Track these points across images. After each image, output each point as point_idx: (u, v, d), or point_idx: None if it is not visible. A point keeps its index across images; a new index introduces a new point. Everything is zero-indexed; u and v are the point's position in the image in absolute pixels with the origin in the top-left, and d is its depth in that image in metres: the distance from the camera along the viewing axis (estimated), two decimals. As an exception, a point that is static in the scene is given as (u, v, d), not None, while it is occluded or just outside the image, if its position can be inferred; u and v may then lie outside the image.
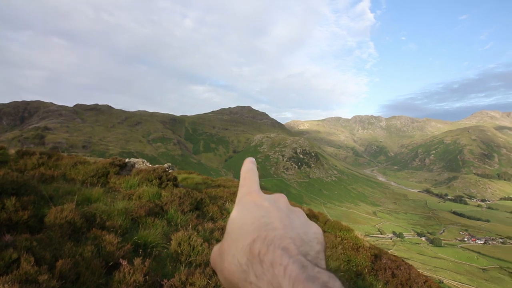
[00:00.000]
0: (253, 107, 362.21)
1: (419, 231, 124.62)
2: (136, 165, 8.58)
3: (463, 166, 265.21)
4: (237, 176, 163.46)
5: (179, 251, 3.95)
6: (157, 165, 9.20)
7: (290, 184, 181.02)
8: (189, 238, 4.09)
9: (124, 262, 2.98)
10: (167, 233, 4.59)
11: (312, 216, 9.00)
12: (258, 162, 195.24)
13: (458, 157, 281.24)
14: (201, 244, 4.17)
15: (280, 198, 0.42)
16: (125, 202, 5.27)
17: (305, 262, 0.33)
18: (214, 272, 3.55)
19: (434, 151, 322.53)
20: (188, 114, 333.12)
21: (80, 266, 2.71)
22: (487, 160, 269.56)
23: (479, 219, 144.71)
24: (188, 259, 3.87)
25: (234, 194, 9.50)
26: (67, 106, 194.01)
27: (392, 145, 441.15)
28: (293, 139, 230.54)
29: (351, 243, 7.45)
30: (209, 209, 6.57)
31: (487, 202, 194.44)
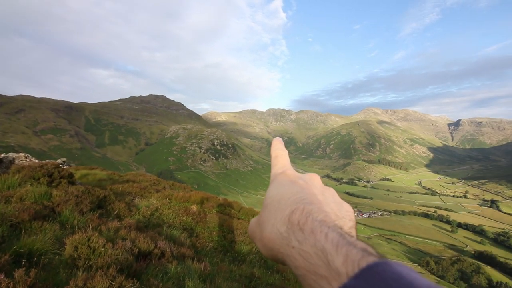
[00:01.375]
0: (167, 97, 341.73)
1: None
2: (17, 161, 7.08)
3: (354, 154, 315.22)
4: (149, 170, 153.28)
5: (75, 256, 3.51)
6: (46, 161, 7.80)
7: (207, 175, 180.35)
8: (89, 240, 3.67)
9: (1, 276, 2.54)
10: (60, 238, 4.00)
11: (226, 205, 9.25)
12: (173, 155, 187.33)
13: (351, 146, 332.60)
14: (104, 245, 3.80)
15: (314, 177, 0.45)
16: (0, 206, 4.33)
17: (342, 232, 0.36)
18: (118, 273, 3.31)
19: (333, 142, 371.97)
20: (89, 102, 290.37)
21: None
22: (371, 148, 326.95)
23: (365, 197, 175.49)
24: (88, 262, 3.49)
25: (145, 189, 8.90)
26: None
27: (300, 136, 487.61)
28: (211, 131, 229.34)
29: (262, 227, 8.01)
30: (114, 207, 6.01)
31: (371, 182, 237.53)
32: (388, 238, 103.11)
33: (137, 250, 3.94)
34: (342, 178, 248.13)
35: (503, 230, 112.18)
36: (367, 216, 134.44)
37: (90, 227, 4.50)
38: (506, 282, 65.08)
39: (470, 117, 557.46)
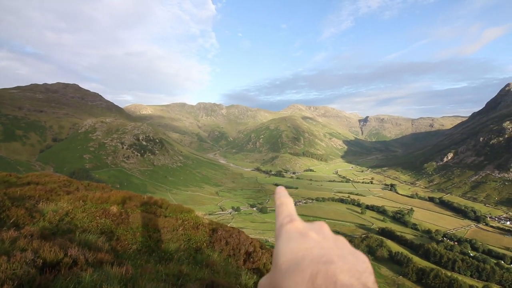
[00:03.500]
0: (81, 86, 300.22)
1: (251, 203, 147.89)
2: None
3: (282, 147, 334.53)
4: (59, 170, 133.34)
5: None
6: None
7: (132, 173, 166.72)
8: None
9: None
10: None
11: (152, 203, 8.77)
12: (90, 152, 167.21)
13: (279, 140, 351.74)
14: (-5, 259, 3.21)
15: (324, 227, 0.44)
16: None
17: None
18: (22, 286, 2.83)
19: (262, 136, 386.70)
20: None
21: None
22: (296, 142, 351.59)
23: (291, 187, 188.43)
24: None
25: (52, 191, 7.74)
26: None
27: (231, 130, 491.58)
28: (135, 125, 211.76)
29: (192, 223, 7.88)
30: (10, 214, 5.08)
31: (296, 173, 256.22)
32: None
33: (41, 261, 3.43)
34: (271, 171, 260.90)
35: (399, 209, 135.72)
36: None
37: (-25, 241, 3.74)
38: (402, 252, 79.07)
39: (375, 114, 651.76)
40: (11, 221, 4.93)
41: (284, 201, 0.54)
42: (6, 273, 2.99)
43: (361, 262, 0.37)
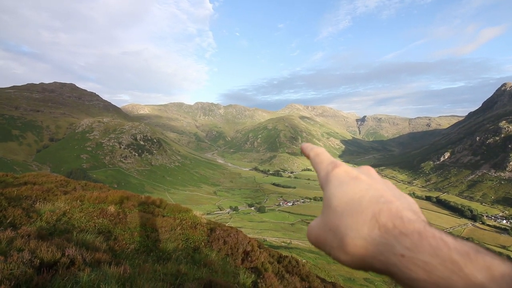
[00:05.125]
0: (78, 85, 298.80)
1: (249, 203, 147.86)
2: None
3: (279, 147, 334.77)
4: (56, 170, 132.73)
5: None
6: None
7: (129, 173, 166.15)
8: (-32, 256, 3.04)
9: None
10: None
11: (150, 203, 8.76)
12: (87, 152, 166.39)
13: (277, 140, 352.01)
14: (-9, 259, 3.20)
15: (371, 170, 0.44)
16: None
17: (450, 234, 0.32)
18: (19, 286, 2.82)
19: (260, 135, 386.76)
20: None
21: None
22: (294, 141, 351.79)
23: (289, 187, 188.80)
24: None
25: (49, 191, 7.70)
26: None
27: (229, 130, 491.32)
28: (132, 125, 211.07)
29: (190, 222, 7.88)
30: (7, 214, 5.05)
31: (294, 173, 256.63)
32: (309, 223, 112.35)
33: (38, 261, 3.42)
34: (269, 170, 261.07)
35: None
36: (291, 204, 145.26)
37: (-29, 241, 3.73)
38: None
39: (373, 114, 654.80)
40: (8, 221, 4.91)
41: (318, 150, 0.54)
42: (3, 273, 2.98)
43: (413, 203, 0.38)
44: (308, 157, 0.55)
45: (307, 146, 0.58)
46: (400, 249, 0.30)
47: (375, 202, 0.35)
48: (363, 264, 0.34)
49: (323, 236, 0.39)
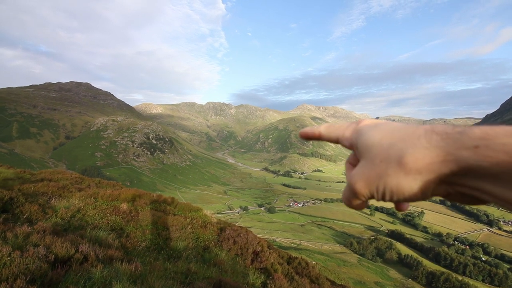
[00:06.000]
0: (93, 85, 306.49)
1: (259, 203, 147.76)
2: None
3: (290, 147, 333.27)
4: (71, 167, 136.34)
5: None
6: None
7: (142, 171, 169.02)
8: (-14, 250, 3.13)
9: None
10: None
11: (161, 201, 8.85)
12: (101, 150, 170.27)
13: (287, 140, 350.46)
14: (9, 253, 3.29)
15: (390, 121, 0.44)
16: None
17: None
18: (29, 284, 2.89)
19: (271, 136, 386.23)
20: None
21: None
22: (305, 142, 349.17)
23: (299, 188, 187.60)
24: (-14, 277, 2.97)
25: (63, 188, 7.90)
26: None
27: (240, 130, 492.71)
28: (145, 124, 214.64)
29: (200, 222, 7.92)
30: (24, 210, 5.20)
31: (305, 174, 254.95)
32: (319, 224, 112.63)
33: (53, 256, 3.50)
34: (279, 171, 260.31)
35: (409, 211, 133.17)
36: (301, 205, 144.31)
37: (-10, 235, 3.84)
38: (411, 255, 77.69)
39: (386, 115, 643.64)
40: (25, 216, 5.05)
41: (325, 124, 0.57)
42: (20, 268, 3.06)
43: None
44: (318, 136, 0.55)
45: (309, 128, 0.58)
46: (471, 142, 0.29)
47: (421, 126, 0.36)
48: (427, 178, 0.33)
49: (373, 172, 0.38)
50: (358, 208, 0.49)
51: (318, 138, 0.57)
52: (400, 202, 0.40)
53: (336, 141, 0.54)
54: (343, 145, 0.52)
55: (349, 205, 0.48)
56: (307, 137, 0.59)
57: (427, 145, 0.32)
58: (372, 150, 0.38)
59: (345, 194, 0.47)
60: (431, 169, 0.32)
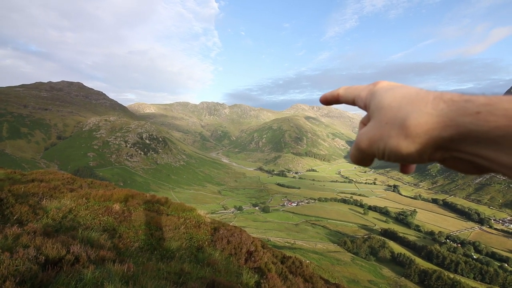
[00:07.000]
0: (85, 84, 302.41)
1: (254, 202, 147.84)
2: None
3: (284, 147, 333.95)
4: (63, 168, 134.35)
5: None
6: None
7: (135, 172, 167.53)
8: (-25, 252, 3.08)
9: None
10: None
11: (155, 201, 8.80)
12: (94, 150, 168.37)
13: (281, 140, 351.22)
14: (-2, 255, 3.24)
15: (405, 85, 0.45)
16: None
17: None
18: (18, 285, 2.85)
19: (265, 135, 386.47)
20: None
21: None
22: (299, 142, 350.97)
23: (293, 187, 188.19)
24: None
25: (55, 189, 7.79)
26: None
27: (234, 130, 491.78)
28: (138, 123, 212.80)
29: (194, 222, 7.90)
30: (14, 211, 5.12)
31: (299, 173, 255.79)
32: (313, 223, 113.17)
33: (43, 257, 3.45)
34: (273, 170, 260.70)
35: (402, 210, 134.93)
36: (295, 204, 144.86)
37: (-22, 237, 3.78)
38: (404, 253, 78.66)
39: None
40: (15, 217, 4.97)
41: (344, 86, 0.58)
42: (9, 269, 3.01)
43: None
44: (337, 97, 0.57)
45: (328, 92, 0.60)
46: (474, 108, 0.31)
47: (432, 91, 0.36)
48: (426, 142, 0.34)
49: (378, 133, 0.40)
50: (363, 165, 0.51)
51: (337, 100, 0.58)
52: (398, 162, 0.42)
53: (352, 102, 0.55)
54: (358, 106, 0.53)
55: (355, 161, 0.51)
56: (327, 101, 0.61)
57: (432, 111, 0.34)
58: (381, 112, 0.40)
59: (352, 151, 0.50)
60: (431, 134, 0.33)
